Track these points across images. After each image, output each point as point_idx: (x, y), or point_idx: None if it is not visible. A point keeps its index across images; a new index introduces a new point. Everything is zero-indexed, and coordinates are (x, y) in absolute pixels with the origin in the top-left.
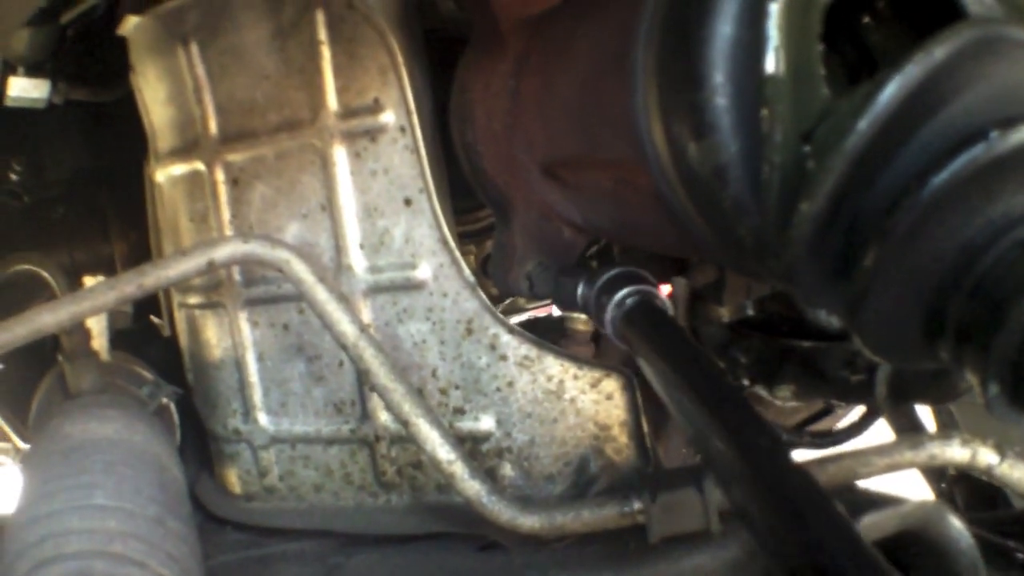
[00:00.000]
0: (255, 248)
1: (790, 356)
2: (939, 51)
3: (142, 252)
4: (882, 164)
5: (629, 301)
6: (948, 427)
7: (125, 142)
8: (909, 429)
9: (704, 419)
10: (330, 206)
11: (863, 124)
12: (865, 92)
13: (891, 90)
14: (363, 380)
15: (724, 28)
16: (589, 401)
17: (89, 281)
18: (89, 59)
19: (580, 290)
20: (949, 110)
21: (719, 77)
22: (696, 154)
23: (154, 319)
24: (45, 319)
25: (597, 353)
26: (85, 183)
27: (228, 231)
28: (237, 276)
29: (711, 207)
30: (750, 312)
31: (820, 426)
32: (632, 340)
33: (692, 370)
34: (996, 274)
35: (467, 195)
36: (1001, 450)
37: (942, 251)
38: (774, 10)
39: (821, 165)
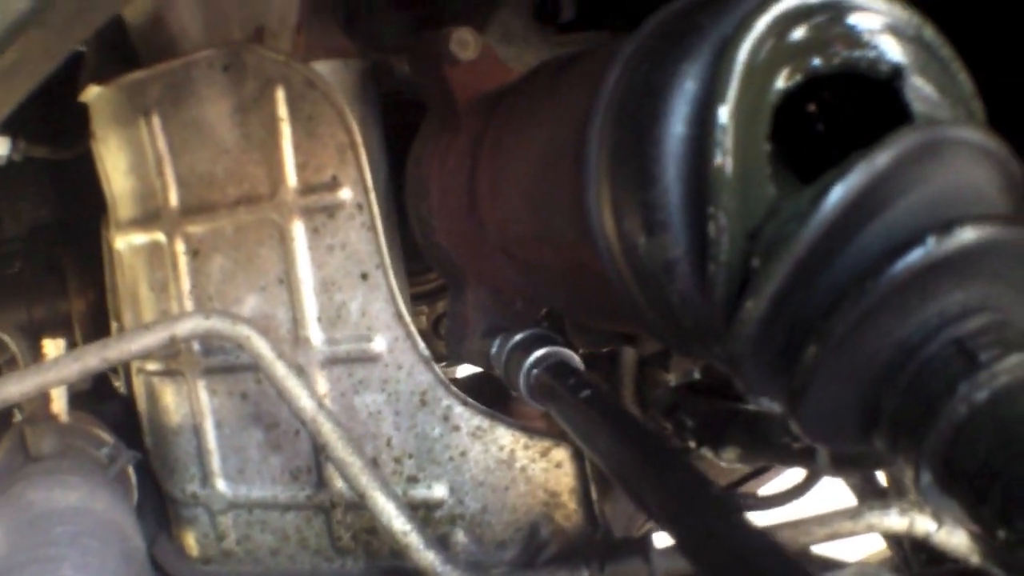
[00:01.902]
0: (216, 324)
1: (735, 420)
2: (882, 158)
3: (100, 311)
4: (822, 267)
5: (547, 361)
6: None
7: (84, 198)
8: (865, 488)
9: (632, 462)
10: (288, 279)
11: (806, 232)
12: (809, 196)
13: (834, 197)
14: (321, 453)
15: (676, 128)
16: (539, 469)
17: (49, 345)
18: (49, 117)
19: (494, 350)
20: (889, 214)
21: (669, 176)
22: (646, 249)
23: (110, 375)
24: (10, 390)
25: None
26: (44, 239)
27: (188, 301)
28: (196, 346)
29: (659, 299)
30: (697, 376)
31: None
32: (552, 397)
33: (617, 419)
34: (929, 371)
35: (419, 257)
36: (938, 517)
37: (878, 350)
38: (724, 112)
39: (765, 268)
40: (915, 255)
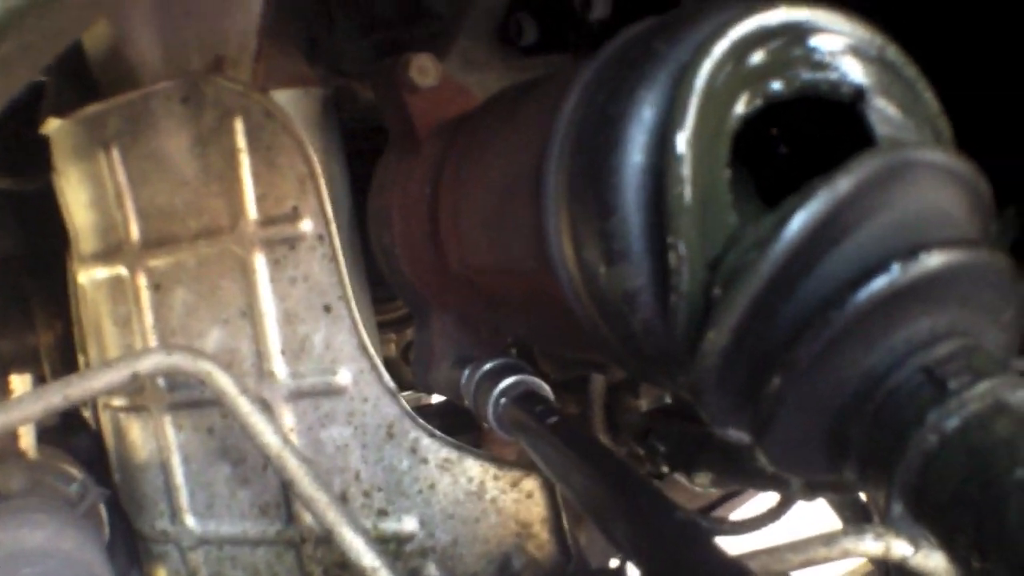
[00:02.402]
0: (178, 361)
1: (707, 444)
2: (844, 183)
3: (67, 343)
4: (785, 296)
5: (515, 391)
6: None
7: (51, 230)
8: (845, 505)
9: (599, 493)
10: (251, 312)
11: (767, 261)
12: (770, 224)
13: (795, 225)
14: (287, 489)
15: (634, 157)
16: (510, 500)
17: (16, 381)
18: (13, 148)
19: (463, 380)
20: (852, 240)
21: (628, 206)
22: (606, 279)
23: (80, 407)
24: None
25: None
26: (10, 271)
27: (151, 336)
28: (161, 381)
29: (621, 328)
30: (668, 400)
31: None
32: (520, 427)
33: (584, 449)
34: (897, 400)
35: (386, 285)
36: (914, 541)
37: (844, 379)
38: (682, 140)
39: (727, 298)
40: (880, 282)
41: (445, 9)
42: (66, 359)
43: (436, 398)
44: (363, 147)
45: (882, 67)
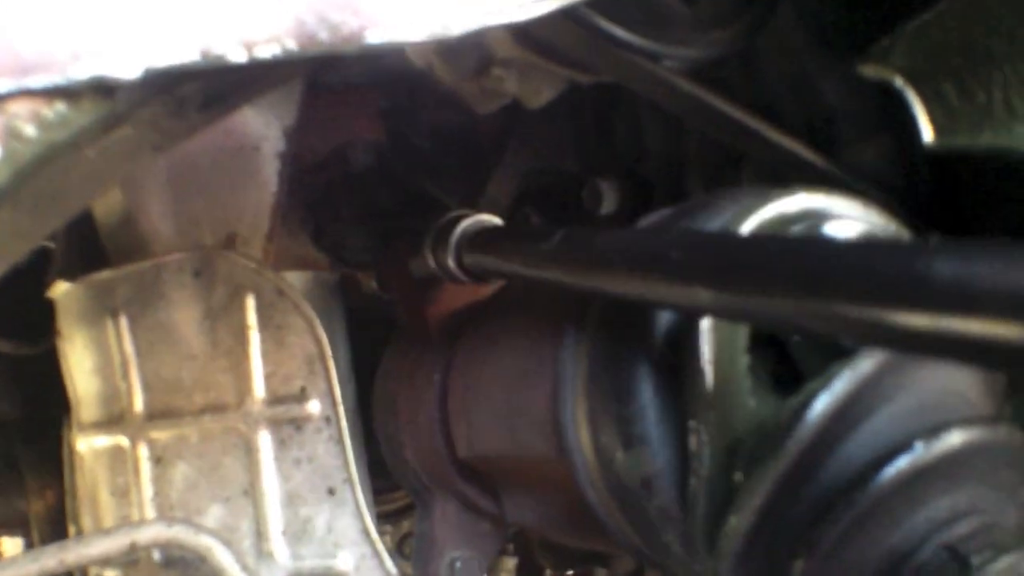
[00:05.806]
0: (179, 533)
1: None
2: (866, 365)
3: (59, 512)
4: (809, 478)
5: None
6: None
7: (46, 396)
8: None
9: None
10: (253, 491)
11: (791, 445)
12: (792, 407)
13: (819, 408)
14: None
15: (655, 343)
16: None
17: (7, 543)
18: (12, 312)
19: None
20: (873, 421)
21: (648, 391)
22: (624, 464)
23: None
24: None
25: None
26: (3, 435)
27: (149, 509)
28: (156, 556)
29: (637, 514)
30: None
31: None
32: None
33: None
34: None
35: (383, 475)
36: None
37: (868, 559)
38: (704, 327)
39: (750, 481)
40: (903, 461)
41: (453, 200)
42: (57, 528)
43: None
44: (364, 336)
45: None
